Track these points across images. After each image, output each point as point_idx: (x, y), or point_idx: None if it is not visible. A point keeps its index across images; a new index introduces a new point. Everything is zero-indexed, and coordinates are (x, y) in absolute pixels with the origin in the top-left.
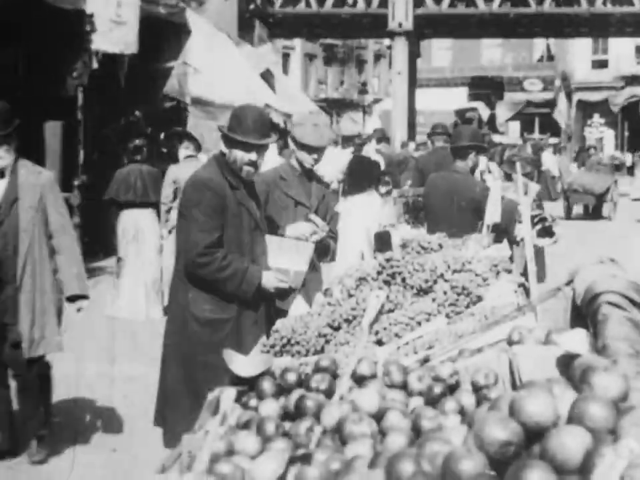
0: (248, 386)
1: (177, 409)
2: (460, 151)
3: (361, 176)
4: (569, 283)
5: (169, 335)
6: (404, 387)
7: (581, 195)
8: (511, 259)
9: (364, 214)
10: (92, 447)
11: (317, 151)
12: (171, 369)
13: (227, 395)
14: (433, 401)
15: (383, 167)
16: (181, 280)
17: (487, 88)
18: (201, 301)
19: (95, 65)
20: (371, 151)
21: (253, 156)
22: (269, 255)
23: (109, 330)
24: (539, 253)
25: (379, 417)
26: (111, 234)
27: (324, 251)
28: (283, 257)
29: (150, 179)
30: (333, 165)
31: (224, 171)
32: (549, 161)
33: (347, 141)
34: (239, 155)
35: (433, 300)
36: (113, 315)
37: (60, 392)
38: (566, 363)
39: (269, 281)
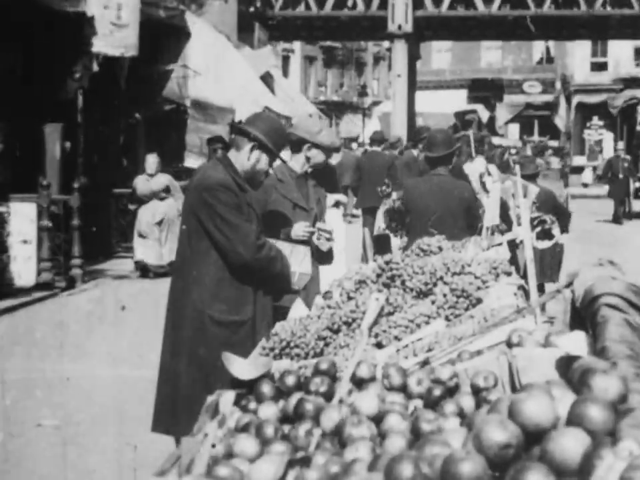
0: (247, 389)
1: (191, 413)
2: (440, 160)
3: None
4: (569, 285)
5: (183, 339)
6: (403, 389)
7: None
8: (511, 261)
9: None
10: (93, 448)
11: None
12: (183, 373)
13: (226, 397)
14: (432, 404)
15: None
16: (196, 283)
17: (487, 90)
18: (219, 302)
19: (96, 68)
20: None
21: (269, 168)
22: None
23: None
24: (557, 253)
25: (378, 419)
26: (110, 237)
27: (328, 256)
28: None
29: None
30: None
31: (231, 173)
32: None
33: (346, 143)
34: (264, 162)
35: (433, 302)
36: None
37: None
38: (565, 365)
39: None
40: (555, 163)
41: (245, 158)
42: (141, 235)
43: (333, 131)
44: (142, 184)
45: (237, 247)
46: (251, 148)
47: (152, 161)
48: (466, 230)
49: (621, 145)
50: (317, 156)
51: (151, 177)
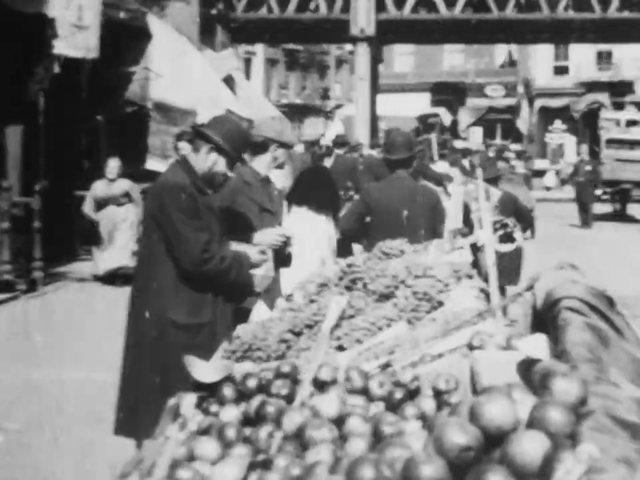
0: (208, 392)
1: (152, 416)
2: (400, 163)
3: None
4: (530, 288)
5: (143, 342)
6: (365, 392)
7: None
8: (474, 264)
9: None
10: (55, 452)
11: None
12: (144, 376)
13: (188, 400)
14: (393, 407)
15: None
16: (156, 286)
17: (449, 94)
18: (178, 305)
19: (57, 69)
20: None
21: (228, 171)
22: None
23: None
24: (516, 256)
25: (339, 422)
26: (72, 240)
27: (287, 259)
28: None
29: None
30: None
31: (191, 176)
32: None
33: (309, 146)
34: (222, 165)
35: (394, 305)
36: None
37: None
38: (526, 368)
39: (253, 256)
40: (520, 167)
41: (202, 160)
42: (102, 242)
43: (294, 132)
44: (101, 189)
45: (181, 258)
46: (208, 150)
47: (113, 165)
48: (430, 233)
49: (584, 148)
50: (282, 155)
51: (111, 181)
